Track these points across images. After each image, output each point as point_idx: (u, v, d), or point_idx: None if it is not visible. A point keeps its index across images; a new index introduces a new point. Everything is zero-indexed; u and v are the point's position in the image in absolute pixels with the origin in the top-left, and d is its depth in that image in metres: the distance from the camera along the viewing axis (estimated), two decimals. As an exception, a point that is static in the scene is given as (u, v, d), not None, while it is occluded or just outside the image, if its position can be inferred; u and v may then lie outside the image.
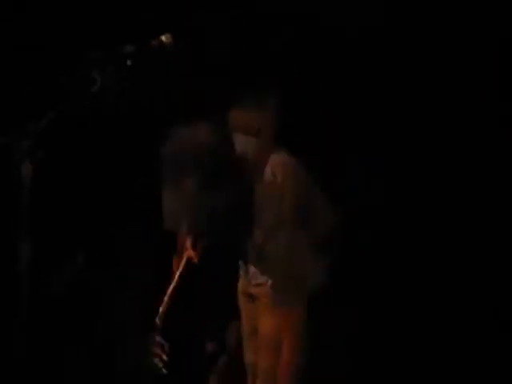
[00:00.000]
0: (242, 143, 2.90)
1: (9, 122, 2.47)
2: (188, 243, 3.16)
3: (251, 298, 3.12)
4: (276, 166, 2.89)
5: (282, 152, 2.96)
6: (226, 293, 3.96)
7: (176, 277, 3.12)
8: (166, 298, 3.10)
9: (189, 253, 3.12)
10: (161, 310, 3.09)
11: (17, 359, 2.37)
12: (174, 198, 2.77)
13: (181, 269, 3.10)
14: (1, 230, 2.70)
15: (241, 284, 3.20)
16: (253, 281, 3.06)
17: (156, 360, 3.05)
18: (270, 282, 2.96)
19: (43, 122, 2.45)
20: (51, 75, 4.11)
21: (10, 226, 2.37)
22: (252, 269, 3.05)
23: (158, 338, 3.04)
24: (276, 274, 2.91)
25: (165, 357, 3.05)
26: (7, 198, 2.37)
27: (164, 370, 3.03)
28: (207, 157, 2.74)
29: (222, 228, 2.80)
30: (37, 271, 2.42)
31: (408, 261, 3.99)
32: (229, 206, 2.76)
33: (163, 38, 2.70)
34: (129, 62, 2.63)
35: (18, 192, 2.37)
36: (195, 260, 3.11)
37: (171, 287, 3.13)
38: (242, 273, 3.16)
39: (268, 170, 2.88)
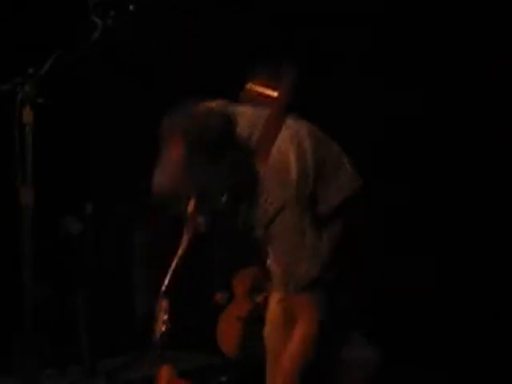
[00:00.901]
0: (253, 116, 2.86)
1: (11, 69, 2.44)
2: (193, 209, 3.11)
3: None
4: (284, 141, 2.82)
5: (293, 127, 2.90)
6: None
7: (185, 241, 3.07)
8: (175, 261, 3.08)
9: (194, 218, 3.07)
10: (171, 270, 3.07)
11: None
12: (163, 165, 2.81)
13: (189, 234, 3.06)
14: (3, 175, 2.70)
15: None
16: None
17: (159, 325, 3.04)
18: (268, 261, 2.93)
19: (44, 68, 2.45)
20: (53, 20, 4.09)
21: (12, 171, 2.37)
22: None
23: (165, 304, 3.03)
24: (279, 255, 2.90)
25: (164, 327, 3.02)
26: (10, 144, 2.36)
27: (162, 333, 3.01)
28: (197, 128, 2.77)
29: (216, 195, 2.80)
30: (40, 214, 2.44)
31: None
32: (220, 177, 2.77)
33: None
34: (131, 7, 2.61)
35: (20, 138, 2.38)
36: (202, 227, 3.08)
37: (181, 250, 3.08)
38: None
39: (277, 145, 2.82)
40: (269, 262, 2.97)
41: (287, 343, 2.90)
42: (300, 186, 2.78)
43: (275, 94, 2.97)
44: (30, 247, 2.40)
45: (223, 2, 4.20)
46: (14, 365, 4.03)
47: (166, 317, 2.99)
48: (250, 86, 3.02)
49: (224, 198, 2.82)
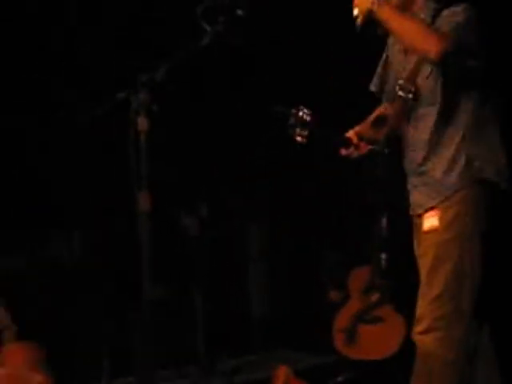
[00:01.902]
0: None
1: (125, 76, 2.50)
2: None
3: None
4: None
5: None
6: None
7: None
8: None
9: None
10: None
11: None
12: None
13: None
14: (120, 182, 2.76)
15: None
16: None
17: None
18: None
19: (157, 75, 2.49)
20: (164, 27, 4.16)
21: (128, 178, 2.42)
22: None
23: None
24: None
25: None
26: (126, 152, 2.41)
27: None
28: None
29: None
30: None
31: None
32: None
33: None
34: (239, 12, 2.63)
35: (136, 145, 2.42)
36: None
37: None
38: None
39: None
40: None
41: None
42: None
43: None
44: (148, 252, 2.45)
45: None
46: (132, 365, 4.13)
47: None
48: None
49: None
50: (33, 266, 4.37)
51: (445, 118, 2.79)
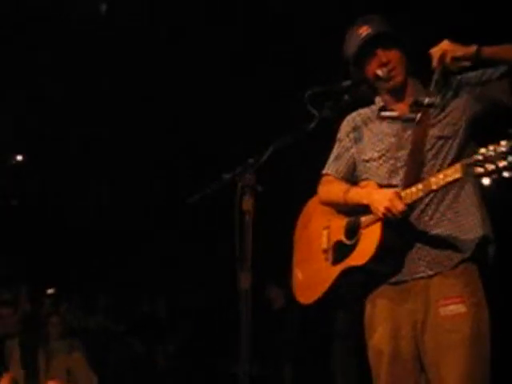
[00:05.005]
0: None
1: (233, 158, 2.57)
2: None
3: None
4: None
5: None
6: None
7: None
8: None
9: None
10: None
11: None
12: None
13: None
14: (224, 258, 2.82)
15: None
16: None
17: None
18: None
19: (263, 158, 2.55)
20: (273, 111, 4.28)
21: (232, 257, 2.47)
22: None
23: None
24: None
25: None
26: (231, 230, 2.46)
27: None
28: None
29: None
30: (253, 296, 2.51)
31: None
32: None
33: (379, 71, 2.73)
34: (346, 97, 2.68)
35: (241, 224, 2.47)
36: None
37: None
38: None
39: None
40: None
41: None
42: None
43: None
44: (247, 329, 2.48)
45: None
46: None
47: None
48: None
49: None
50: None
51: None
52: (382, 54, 2.74)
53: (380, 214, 2.63)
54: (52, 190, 9.44)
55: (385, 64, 2.74)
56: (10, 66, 5.49)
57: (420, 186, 2.59)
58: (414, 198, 2.59)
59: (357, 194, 2.79)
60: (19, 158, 10.57)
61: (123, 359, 6.84)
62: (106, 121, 6.18)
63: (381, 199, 2.64)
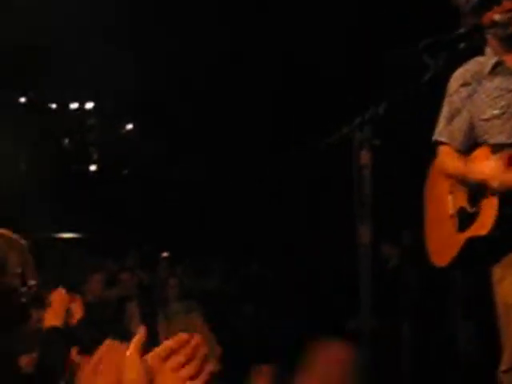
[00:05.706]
0: None
1: (349, 112, 2.56)
2: None
3: None
4: None
5: None
6: None
7: None
8: None
9: None
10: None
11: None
12: None
13: None
14: (344, 214, 2.83)
15: None
16: None
17: None
18: None
19: (380, 110, 2.53)
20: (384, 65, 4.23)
21: (351, 211, 2.47)
22: None
23: None
24: None
25: None
26: (348, 186, 2.46)
27: None
28: None
29: None
30: (374, 250, 2.52)
31: None
32: None
33: (496, 16, 2.66)
34: (462, 45, 2.62)
35: (358, 179, 2.47)
36: None
37: None
38: None
39: None
40: None
41: None
42: None
43: None
44: (368, 284, 2.48)
45: None
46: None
47: None
48: None
49: None
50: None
51: None
52: (508, 3, 2.67)
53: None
54: (162, 161, 9.65)
55: (508, 11, 2.67)
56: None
57: None
58: None
59: (471, 174, 2.79)
60: (129, 126, 10.84)
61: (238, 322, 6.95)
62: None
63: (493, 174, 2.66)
